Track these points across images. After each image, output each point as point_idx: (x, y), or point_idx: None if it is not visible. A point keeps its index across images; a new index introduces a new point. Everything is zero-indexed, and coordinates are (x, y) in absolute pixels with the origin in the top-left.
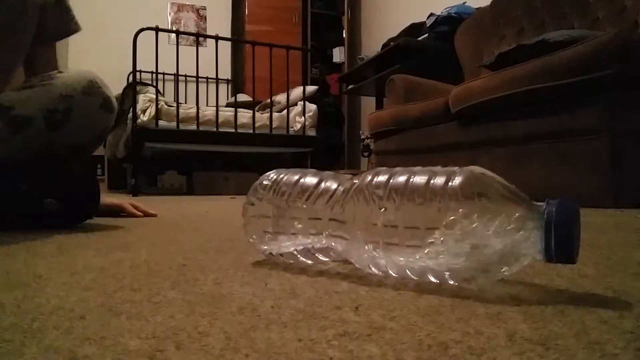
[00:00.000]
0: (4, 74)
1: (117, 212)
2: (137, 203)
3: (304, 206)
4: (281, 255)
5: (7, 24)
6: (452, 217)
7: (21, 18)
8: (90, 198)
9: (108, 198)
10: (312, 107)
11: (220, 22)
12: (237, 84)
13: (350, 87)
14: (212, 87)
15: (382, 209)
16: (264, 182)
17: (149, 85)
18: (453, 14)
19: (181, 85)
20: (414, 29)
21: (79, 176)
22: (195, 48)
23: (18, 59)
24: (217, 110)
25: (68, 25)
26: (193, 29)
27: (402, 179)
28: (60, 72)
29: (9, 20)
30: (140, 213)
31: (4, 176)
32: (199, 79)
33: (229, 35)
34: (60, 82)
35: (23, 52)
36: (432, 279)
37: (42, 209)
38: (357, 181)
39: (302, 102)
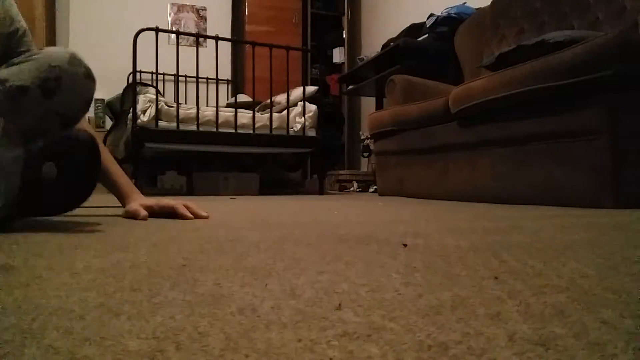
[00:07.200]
0: None
1: (171, 213)
2: (190, 203)
3: None
4: None
5: None
6: None
7: None
8: (92, 165)
9: (164, 199)
10: (312, 108)
11: (220, 22)
12: (237, 84)
13: (350, 87)
14: (212, 87)
15: None
16: None
17: (149, 85)
18: (453, 15)
19: (181, 86)
20: (414, 29)
21: (81, 141)
22: (195, 48)
23: None
24: (217, 111)
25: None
26: (193, 30)
27: None
28: (40, 49)
29: None
30: (191, 215)
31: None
32: (199, 80)
33: (229, 36)
34: (45, 55)
35: None
36: None
37: (41, 175)
38: None
39: (302, 103)
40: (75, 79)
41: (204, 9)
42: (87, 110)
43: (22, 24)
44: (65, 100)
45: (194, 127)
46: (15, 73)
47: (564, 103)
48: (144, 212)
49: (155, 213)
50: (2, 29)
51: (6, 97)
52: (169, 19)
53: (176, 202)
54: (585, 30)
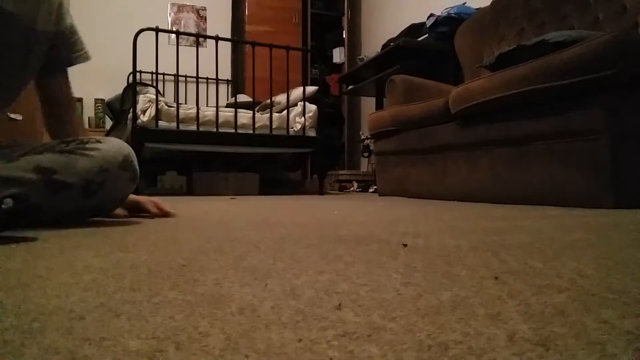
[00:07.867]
0: (11, 94)
1: (136, 207)
2: (159, 201)
3: None
4: None
5: (17, 47)
6: None
7: (31, 42)
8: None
9: (130, 196)
10: (312, 108)
11: (220, 22)
12: (237, 84)
13: (350, 87)
14: (212, 87)
15: None
16: None
17: (149, 85)
18: (453, 15)
19: (181, 86)
20: (414, 29)
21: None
22: (195, 48)
23: (25, 82)
24: (217, 111)
25: (78, 55)
26: (193, 30)
27: None
28: (98, 141)
29: (17, 43)
30: (156, 210)
31: None
32: (199, 80)
33: (229, 36)
34: (101, 154)
35: (30, 75)
36: None
37: None
38: None
39: (302, 103)
40: (117, 184)
41: (204, 9)
42: (119, 206)
43: (67, 22)
44: (101, 200)
45: (194, 127)
46: (65, 167)
47: (564, 103)
48: (122, 211)
49: (123, 205)
50: (49, 27)
51: (46, 187)
52: (169, 19)
53: (140, 197)
54: (585, 30)
